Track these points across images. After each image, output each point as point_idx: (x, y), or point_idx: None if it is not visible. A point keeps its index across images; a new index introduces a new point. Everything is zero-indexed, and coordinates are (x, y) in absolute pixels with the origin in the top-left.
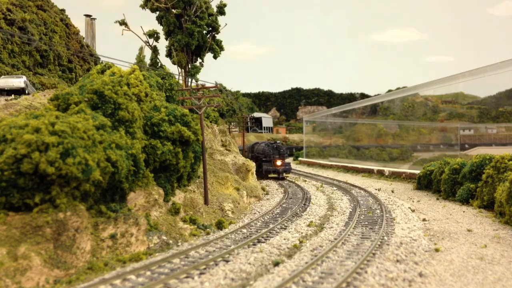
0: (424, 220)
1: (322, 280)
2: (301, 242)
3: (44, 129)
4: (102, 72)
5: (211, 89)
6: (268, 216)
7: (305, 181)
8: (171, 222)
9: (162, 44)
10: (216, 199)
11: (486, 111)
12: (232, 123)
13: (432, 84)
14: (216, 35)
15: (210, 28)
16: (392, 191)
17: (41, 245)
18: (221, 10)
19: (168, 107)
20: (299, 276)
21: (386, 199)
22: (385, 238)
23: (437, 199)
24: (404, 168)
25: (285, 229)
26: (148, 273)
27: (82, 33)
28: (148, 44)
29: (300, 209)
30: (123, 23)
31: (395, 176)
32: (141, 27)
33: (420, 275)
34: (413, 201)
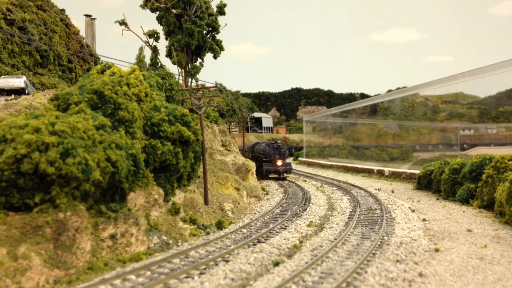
0: (424, 220)
1: (322, 280)
2: (301, 242)
3: (44, 129)
4: (102, 72)
5: (211, 89)
6: (268, 216)
7: (305, 181)
8: (171, 222)
9: (162, 44)
10: (216, 199)
11: (486, 111)
12: (232, 123)
13: (432, 84)
14: (216, 35)
15: (210, 28)
16: (392, 191)
17: (41, 245)
18: (221, 10)
19: (168, 107)
20: (299, 276)
21: (386, 199)
22: (385, 238)
23: (437, 199)
24: (404, 168)
25: (285, 229)
26: (148, 273)
27: (82, 33)
28: (148, 44)
29: (300, 209)
30: (123, 23)
31: (395, 176)
32: (141, 27)
33: (420, 275)
34: (413, 201)
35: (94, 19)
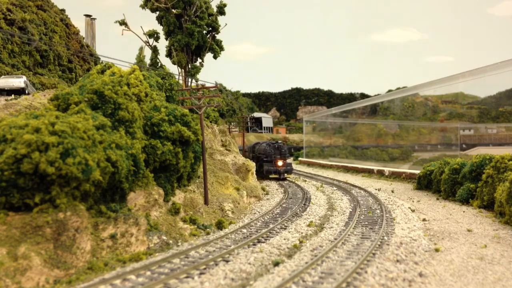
0: (424, 220)
1: (322, 280)
2: (301, 242)
3: (44, 129)
4: (102, 72)
5: (211, 89)
6: (268, 216)
7: (305, 181)
8: (171, 222)
9: (162, 44)
10: (216, 199)
11: (486, 111)
12: (232, 123)
13: (432, 84)
14: (216, 35)
15: (210, 28)
16: (392, 191)
17: (41, 245)
18: (221, 10)
19: (168, 107)
20: (299, 276)
21: (386, 199)
22: (385, 238)
23: (437, 199)
24: (404, 168)
25: (285, 229)
26: (148, 273)
27: (82, 33)
28: (148, 44)
29: (300, 209)
30: (123, 23)
31: (395, 176)
32: (141, 27)
33: (420, 275)
34: (413, 201)
35: (94, 19)
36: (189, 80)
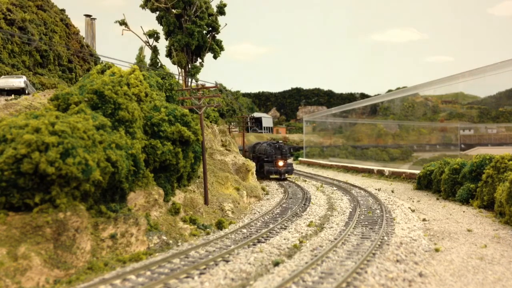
0: (424, 220)
1: (322, 280)
2: (301, 242)
3: (44, 129)
4: (102, 72)
5: (211, 89)
6: (268, 216)
7: (305, 181)
8: (171, 222)
9: (162, 44)
10: (216, 199)
11: (486, 111)
12: (232, 123)
13: (432, 84)
14: (216, 35)
15: (210, 28)
16: (392, 191)
17: (41, 245)
18: (221, 10)
19: (168, 107)
20: (299, 276)
21: (386, 199)
22: (385, 238)
23: (437, 199)
24: (404, 168)
25: (285, 229)
26: (148, 273)
27: (82, 33)
28: (148, 44)
29: (300, 209)
30: (123, 23)
31: (395, 176)
32: (141, 27)
33: (420, 275)
34: (413, 201)
35: (94, 19)
36: (189, 80)
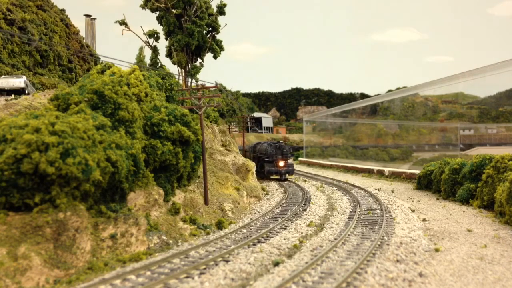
0: (424, 220)
1: (322, 280)
2: (301, 242)
3: (44, 129)
4: (102, 72)
5: (211, 89)
6: (268, 216)
7: (305, 181)
8: (171, 222)
9: (162, 44)
10: (216, 199)
11: (486, 111)
12: (232, 123)
13: (432, 84)
14: (216, 35)
15: (210, 28)
16: (392, 191)
17: (41, 245)
18: (221, 10)
19: (168, 107)
20: (299, 276)
21: (386, 199)
22: (385, 238)
23: (437, 199)
24: (404, 168)
25: (285, 229)
26: (148, 273)
27: (82, 33)
28: (148, 44)
29: (300, 209)
30: (123, 23)
31: (395, 176)
32: (141, 27)
33: (420, 275)
34: (413, 201)
35: (94, 19)
36: (189, 80)
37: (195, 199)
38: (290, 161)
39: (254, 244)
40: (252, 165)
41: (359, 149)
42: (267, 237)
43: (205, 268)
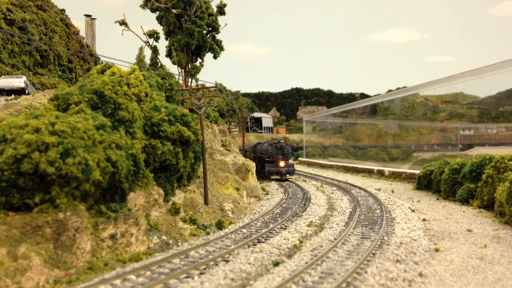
0: (424, 220)
1: (322, 280)
2: (301, 242)
3: (44, 129)
4: (102, 72)
5: (211, 89)
6: (268, 216)
7: (305, 181)
8: (171, 222)
9: (162, 44)
10: (216, 199)
11: (486, 111)
12: (232, 123)
13: (432, 84)
14: (216, 35)
15: (210, 28)
16: (392, 191)
17: (41, 245)
18: (221, 10)
19: (168, 107)
20: (299, 276)
21: (386, 199)
22: (385, 238)
23: (437, 199)
24: (404, 168)
25: (285, 229)
26: (148, 273)
27: (82, 33)
28: (148, 44)
29: (300, 209)
30: (123, 23)
31: (395, 176)
32: (141, 27)
33: (420, 275)
34: (413, 201)
35: (94, 19)
36: (189, 80)
37: (195, 199)
38: (290, 161)
39: (254, 244)
40: (252, 165)
41: (359, 149)
42: (267, 237)
43: (205, 268)
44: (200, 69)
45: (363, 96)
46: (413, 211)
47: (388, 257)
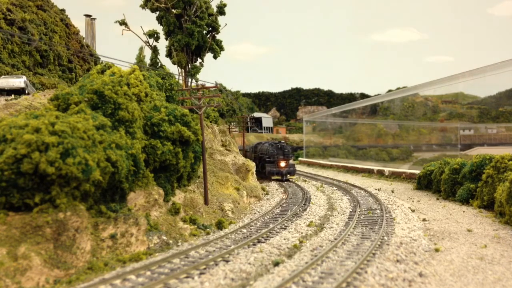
0: (424, 220)
1: (322, 280)
2: (301, 242)
3: (44, 129)
4: (102, 72)
5: (211, 89)
6: (268, 216)
7: (305, 181)
8: (171, 222)
9: (162, 44)
10: (216, 199)
11: (486, 111)
12: (232, 123)
13: (432, 84)
14: (216, 35)
15: (210, 28)
16: (392, 191)
17: (41, 245)
18: (221, 10)
19: (168, 107)
20: (299, 276)
21: (386, 199)
22: (385, 238)
23: (437, 199)
24: (404, 168)
25: (285, 229)
26: (148, 273)
27: (82, 33)
28: (148, 44)
29: (300, 209)
30: (123, 23)
31: (395, 176)
32: (141, 27)
33: (420, 275)
34: (413, 201)
35: (94, 19)
36: (189, 80)
37: (195, 199)
38: (291, 161)
39: (254, 244)
40: (252, 165)
41: (359, 149)
42: (267, 237)
43: (205, 268)
44: (200, 69)
45: (363, 96)
46: (413, 211)
47: (388, 257)
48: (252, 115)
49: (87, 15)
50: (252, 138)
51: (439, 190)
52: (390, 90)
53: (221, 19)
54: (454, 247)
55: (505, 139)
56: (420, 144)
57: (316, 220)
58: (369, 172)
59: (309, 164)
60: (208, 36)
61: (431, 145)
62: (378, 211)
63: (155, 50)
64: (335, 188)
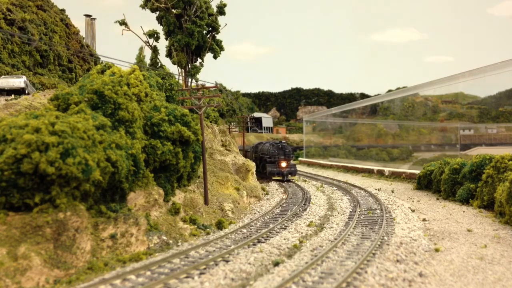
0: (424, 220)
1: (322, 280)
2: (301, 242)
3: (44, 129)
4: (102, 72)
5: (211, 89)
6: (268, 216)
7: (305, 181)
8: (171, 222)
9: (162, 44)
10: (216, 199)
11: (486, 111)
12: (232, 123)
13: (432, 84)
14: (216, 35)
15: (210, 28)
16: (392, 191)
17: (41, 245)
18: (221, 10)
19: (168, 107)
20: (299, 276)
21: (386, 199)
22: (385, 238)
23: (437, 199)
24: (404, 168)
25: (285, 229)
26: (148, 273)
27: (82, 33)
28: (148, 44)
29: (300, 209)
30: (123, 23)
31: (395, 176)
32: (141, 27)
33: (420, 275)
34: (413, 201)
35: (94, 19)
36: (189, 80)
37: (195, 199)
38: (292, 161)
39: (254, 244)
40: (252, 165)
41: (359, 149)
42: (267, 237)
43: (205, 268)
44: (200, 69)
45: (363, 96)
46: (413, 211)
47: (388, 257)
48: (252, 115)
49: (87, 15)
50: (252, 138)
51: (439, 190)
52: (390, 90)
53: (221, 19)
54: (454, 247)
55: (505, 139)
56: (420, 144)
57: (316, 220)
58: (369, 172)
59: (309, 164)
60: (208, 36)
61: (431, 145)
62: (378, 211)
63: (155, 50)
64: (335, 188)
